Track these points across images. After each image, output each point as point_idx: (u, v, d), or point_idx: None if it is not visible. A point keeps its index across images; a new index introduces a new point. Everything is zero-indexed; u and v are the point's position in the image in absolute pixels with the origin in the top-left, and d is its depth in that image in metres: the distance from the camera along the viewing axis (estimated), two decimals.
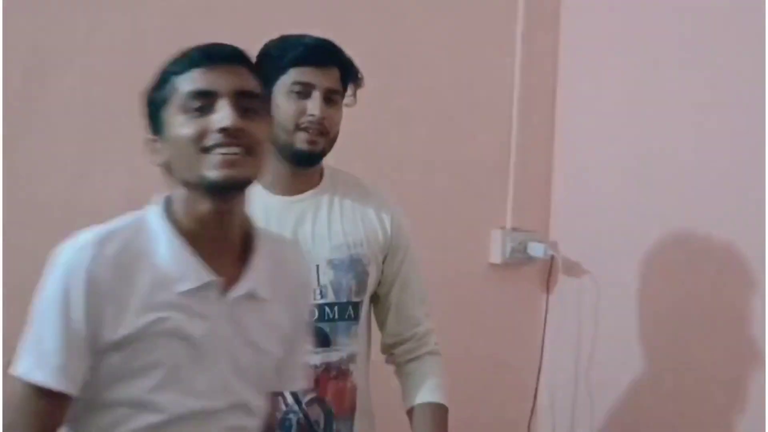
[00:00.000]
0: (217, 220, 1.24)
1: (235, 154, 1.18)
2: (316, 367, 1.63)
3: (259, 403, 1.32)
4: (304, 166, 1.67)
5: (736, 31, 2.29)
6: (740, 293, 2.26)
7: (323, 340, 1.65)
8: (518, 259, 2.64)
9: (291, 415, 1.64)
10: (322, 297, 1.65)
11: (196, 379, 1.22)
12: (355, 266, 1.69)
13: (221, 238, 1.26)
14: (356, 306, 1.70)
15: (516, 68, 2.66)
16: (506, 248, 2.61)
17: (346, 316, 1.68)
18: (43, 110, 1.99)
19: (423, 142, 2.46)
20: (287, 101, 1.61)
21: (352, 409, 1.72)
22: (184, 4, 2.14)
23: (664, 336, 2.45)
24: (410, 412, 1.76)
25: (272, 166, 1.63)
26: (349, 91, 1.71)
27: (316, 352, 1.63)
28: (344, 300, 1.68)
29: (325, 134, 1.63)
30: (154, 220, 1.25)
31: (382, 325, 1.81)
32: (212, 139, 1.18)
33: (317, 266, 1.65)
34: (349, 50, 1.70)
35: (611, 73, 2.57)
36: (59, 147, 2.03)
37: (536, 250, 2.64)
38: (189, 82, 1.20)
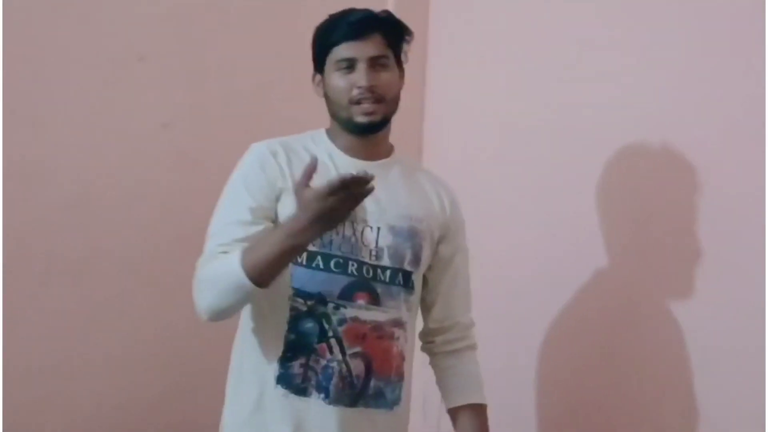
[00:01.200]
0: None
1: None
2: (365, 322, 1.68)
3: None
4: (368, 135, 1.73)
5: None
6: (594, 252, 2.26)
7: (374, 299, 1.69)
8: None
9: (334, 364, 1.67)
10: (377, 259, 1.70)
11: None
12: (413, 237, 1.74)
13: None
14: (408, 275, 1.74)
15: None
16: None
17: (397, 282, 1.72)
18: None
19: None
20: (337, 78, 1.70)
21: (399, 375, 1.74)
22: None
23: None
24: (454, 410, 1.81)
25: (342, 135, 1.75)
26: (403, 49, 1.76)
27: (367, 308, 1.69)
28: (397, 266, 1.72)
29: (381, 100, 1.69)
30: None
31: (428, 310, 1.86)
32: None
33: (378, 228, 1.71)
34: None
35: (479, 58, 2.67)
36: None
37: None
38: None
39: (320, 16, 1.76)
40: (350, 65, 1.69)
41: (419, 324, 1.87)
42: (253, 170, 1.71)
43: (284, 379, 1.68)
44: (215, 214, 1.71)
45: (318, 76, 1.75)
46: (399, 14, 1.75)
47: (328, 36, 1.71)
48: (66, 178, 2.24)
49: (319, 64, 1.74)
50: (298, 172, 1.57)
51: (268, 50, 2.52)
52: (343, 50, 1.69)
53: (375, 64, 1.69)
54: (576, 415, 2.27)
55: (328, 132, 1.79)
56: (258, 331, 1.73)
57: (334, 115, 1.75)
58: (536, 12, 2.53)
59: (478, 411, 1.82)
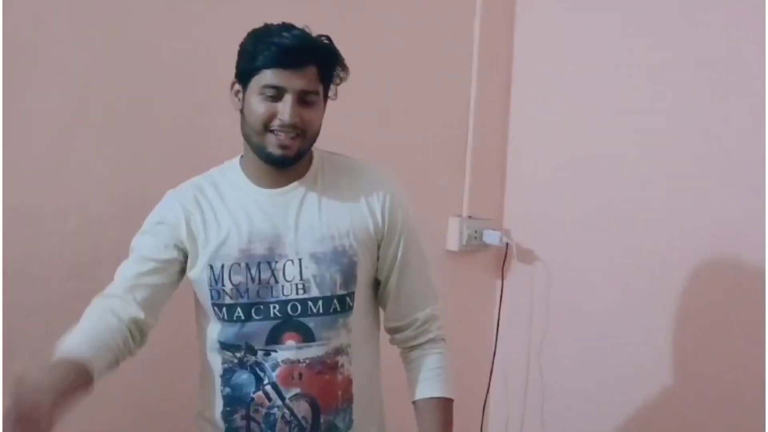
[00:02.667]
0: None
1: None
2: (299, 362, 1.61)
3: None
4: (278, 168, 1.62)
5: (680, 37, 2.40)
6: (683, 281, 2.37)
7: (306, 336, 1.61)
8: (474, 246, 2.72)
9: (275, 410, 1.62)
10: (304, 292, 1.61)
11: None
12: (340, 258, 1.64)
13: None
14: (343, 298, 1.65)
15: (473, 62, 2.74)
16: (463, 236, 2.68)
17: (332, 310, 1.63)
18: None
19: (384, 134, 2.47)
20: (259, 102, 1.56)
21: (348, 400, 1.68)
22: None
23: (610, 321, 2.55)
24: (416, 405, 1.74)
25: (254, 161, 1.63)
26: (331, 89, 1.64)
27: (299, 348, 1.61)
28: (328, 294, 1.63)
29: (299, 136, 1.57)
30: None
31: (383, 309, 1.78)
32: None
33: (300, 260, 1.61)
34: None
35: (564, 70, 2.65)
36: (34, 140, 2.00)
37: (491, 237, 2.72)
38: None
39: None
40: (277, 94, 1.56)
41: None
42: (158, 230, 1.65)
43: None
44: (137, 235, 1.68)
45: (237, 86, 1.61)
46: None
47: (259, 54, 1.56)
48: (68, 179, 2.10)
49: (242, 76, 1.59)
50: (204, 217, 1.61)
51: None
52: (272, 76, 1.55)
53: (303, 99, 1.57)
54: None
55: (242, 159, 1.68)
56: (203, 385, 1.72)
57: (246, 137, 1.62)
58: (625, 34, 2.53)
59: (438, 405, 1.73)
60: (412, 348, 1.76)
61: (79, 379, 1.36)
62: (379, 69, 2.44)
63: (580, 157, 2.62)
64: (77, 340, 1.45)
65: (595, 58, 2.60)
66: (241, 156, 1.69)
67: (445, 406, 1.72)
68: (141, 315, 1.55)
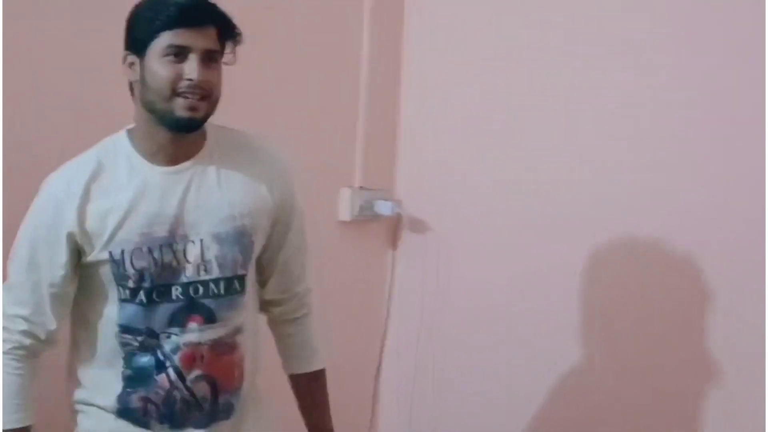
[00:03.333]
0: None
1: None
2: (200, 344, 1.60)
3: None
4: (185, 132, 1.58)
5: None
6: (572, 249, 2.48)
7: (209, 317, 1.61)
8: (366, 216, 2.75)
9: (175, 392, 1.61)
10: (206, 273, 1.60)
11: None
12: (241, 239, 1.64)
13: None
14: (242, 278, 1.66)
15: (364, 31, 2.74)
16: (354, 206, 2.70)
17: (232, 290, 1.64)
18: None
19: (273, 102, 2.46)
20: (162, 66, 1.51)
21: (242, 378, 1.70)
22: None
23: (504, 292, 2.63)
24: (293, 377, 1.82)
25: (151, 133, 1.58)
26: (228, 49, 1.61)
27: (201, 330, 1.60)
28: (230, 274, 1.63)
29: (206, 98, 1.54)
30: None
31: (263, 284, 1.79)
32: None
33: (201, 240, 1.59)
34: None
35: (455, 37, 2.70)
36: None
37: (383, 207, 2.76)
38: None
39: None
40: (181, 54, 1.52)
41: None
42: (46, 231, 1.58)
43: (124, 414, 1.63)
44: (10, 264, 1.61)
45: (131, 58, 1.55)
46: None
47: (156, 17, 1.52)
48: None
49: (137, 45, 1.54)
50: (99, 201, 1.55)
51: None
52: (174, 36, 1.51)
53: (208, 58, 1.53)
54: None
55: (130, 132, 1.62)
56: (86, 370, 1.66)
57: (149, 106, 1.56)
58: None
59: (318, 375, 1.85)
60: (290, 321, 1.82)
61: None
62: (270, 39, 2.41)
63: (473, 127, 2.66)
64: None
65: (485, 27, 2.64)
66: (128, 131, 1.63)
67: (323, 377, 1.85)
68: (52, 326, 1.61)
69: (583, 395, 2.47)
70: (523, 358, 2.57)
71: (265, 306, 1.82)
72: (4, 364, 1.57)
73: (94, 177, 1.58)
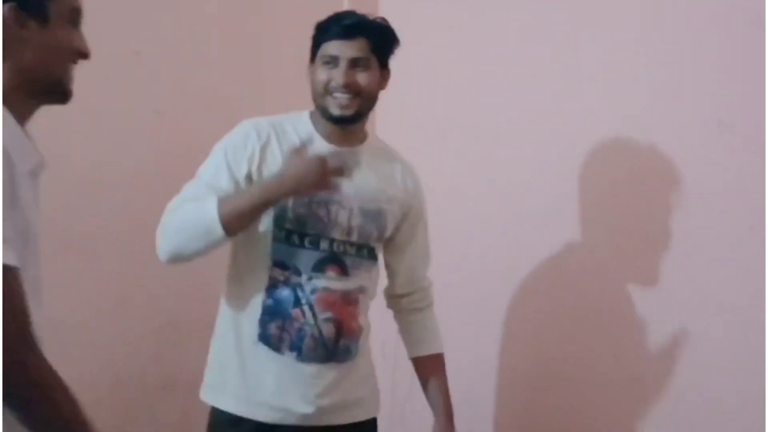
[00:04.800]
0: None
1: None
2: (334, 291, 1.91)
3: None
4: (341, 125, 1.93)
5: None
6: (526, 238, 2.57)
7: (343, 271, 1.92)
8: None
9: (306, 328, 1.89)
10: (348, 236, 1.92)
11: None
12: (380, 217, 1.96)
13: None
14: (373, 249, 1.98)
15: None
16: None
17: (363, 255, 1.96)
18: None
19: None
20: (320, 71, 1.90)
21: (360, 330, 1.98)
22: None
23: (461, 265, 2.74)
24: (419, 359, 2.13)
25: (321, 121, 1.95)
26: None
27: (338, 280, 1.91)
28: (364, 242, 1.95)
29: (356, 96, 1.89)
30: None
31: (393, 277, 2.11)
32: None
33: (350, 209, 1.92)
34: None
35: (426, 42, 2.79)
36: None
37: None
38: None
39: (305, 14, 2.00)
40: (333, 62, 1.89)
41: (384, 282, 2.14)
42: (236, 147, 1.92)
43: (263, 338, 1.92)
44: (199, 171, 1.94)
45: (310, 66, 1.96)
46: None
47: (322, 33, 1.92)
48: (74, 162, 2.48)
49: (313, 55, 1.95)
50: (277, 149, 1.89)
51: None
52: (329, 47, 1.90)
53: (355, 64, 1.89)
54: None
55: (312, 114, 1.99)
56: (239, 297, 1.96)
57: (314, 101, 1.95)
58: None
59: (440, 358, 2.13)
60: (417, 310, 2.13)
61: None
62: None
63: (441, 130, 2.85)
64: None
65: (456, 33, 2.79)
66: (311, 112, 2.00)
67: (444, 358, 2.12)
68: None
69: (537, 353, 2.58)
70: (474, 323, 2.71)
71: (394, 300, 2.14)
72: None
73: (285, 131, 1.96)
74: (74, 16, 1.36)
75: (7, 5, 1.28)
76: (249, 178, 1.90)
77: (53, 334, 1.36)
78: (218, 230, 1.78)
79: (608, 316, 2.43)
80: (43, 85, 1.35)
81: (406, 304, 2.14)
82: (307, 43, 1.97)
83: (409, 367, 2.20)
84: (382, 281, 2.15)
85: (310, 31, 1.96)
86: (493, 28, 2.69)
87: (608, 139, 2.40)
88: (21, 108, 1.33)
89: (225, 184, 1.88)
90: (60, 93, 1.37)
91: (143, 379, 2.67)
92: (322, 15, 1.96)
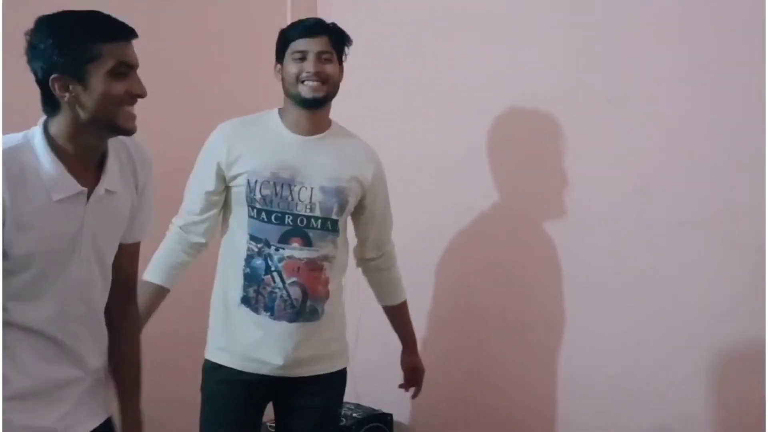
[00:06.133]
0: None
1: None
2: (299, 260, 2.24)
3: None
4: (312, 108, 2.25)
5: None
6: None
7: (306, 242, 2.24)
8: None
9: (276, 291, 2.23)
10: (311, 211, 2.24)
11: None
12: (339, 194, 2.27)
13: (89, 155, 1.67)
14: (335, 222, 2.28)
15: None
16: None
17: (326, 228, 2.26)
18: None
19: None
20: (292, 64, 2.25)
21: (326, 294, 2.30)
22: None
23: (411, 231, 3.00)
24: (387, 307, 2.56)
25: (291, 111, 2.27)
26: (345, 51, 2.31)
27: (301, 250, 2.24)
28: (326, 216, 2.26)
29: (324, 82, 2.23)
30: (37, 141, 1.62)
31: (363, 244, 2.47)
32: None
33: (312, 188, 2.24)
34: None
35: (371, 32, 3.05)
36: None
37: None
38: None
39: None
40: (302, 56, 2.23)
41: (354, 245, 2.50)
42: (209, 152, 2.30)
43: (244, 301, 2.27)
44: (190, 179, 2.34)
45: (278, 65, 2.30)
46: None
47: (289, 34, 2.28)
48: None
49: (279, 56, 2.29)
50: (247, 145, 2.25)
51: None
52: (298, 44, 2.25)
53: (321, 57, 2.24)
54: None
55: (280, 111, 2.32)
56: (227, 266, 2.33)
57: (287, 93, 2.28)
58: None
59: (404, 304, 2.58)
60: (383, 270, 2.50)
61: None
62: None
63: (391, 113, 3.22)
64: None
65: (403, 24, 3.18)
66: (279, 109, 2.33)
67: (407, 304, 2.59)
68: (202, 240, 2.33)
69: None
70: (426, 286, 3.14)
71: (363, 261, 2.50)
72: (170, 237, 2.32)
73: (251, 129, 2.31)
74: (117, 69, 1.59)
75: (52, 76, 1.57)
76: (224, 176, 2.28)
77: None
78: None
79: (517, 270, 2.89)
80: (104, 127, 1.64)
81: (375, 266, 2.49)
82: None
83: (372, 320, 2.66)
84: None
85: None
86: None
87: (512, 112, 2.86)
88: (92, 140, 1.66)
89: (212, 186, 2.29)
90: (121, 130, 1.65)
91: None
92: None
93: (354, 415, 3.16)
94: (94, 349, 1.77)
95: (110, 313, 1.83)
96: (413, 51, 3.18)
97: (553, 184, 2.78)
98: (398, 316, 2.57)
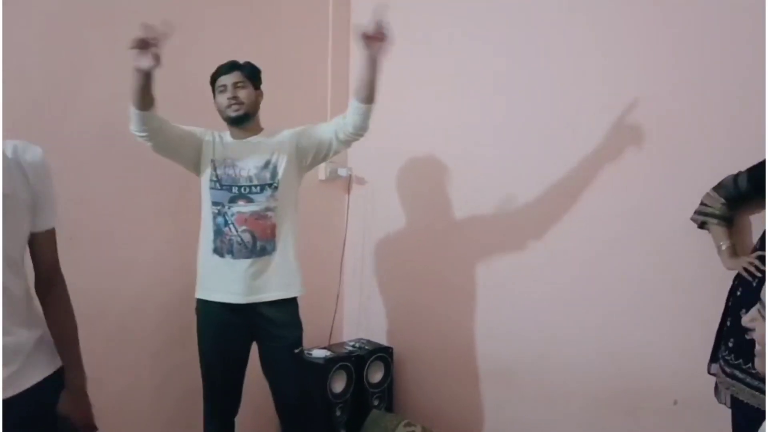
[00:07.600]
0: None
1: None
2: (246, 213, 3.13)
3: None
4: (238, 125, 3.18)
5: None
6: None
7: (248, 201, 3.13)
8: (333, 177, 4.37)
9: (233, 237, 3.11)
10: (250, 182, 3.14)
11: None
12: (268, 165, 3.16)
13: None
14: (271, 184, 3.14)
15: (329, 43, 4.32)
16: (327, 171, 4.35)
17: (264, 190, 3.13)
18: None
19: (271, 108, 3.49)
20: (219, 95, 3.19)
21: (272, 234, 3.14)
22: None
23: (416, 224, 4.10)
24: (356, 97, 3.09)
25: (229, 127, 3.25)
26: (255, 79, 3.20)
27: (246, 206, 3.14)
28: (262, 183, 3.14)
29: (241, 104, 3.14)
30: None
31: (335, 139, 3.18)
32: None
33: (248, 168, 3.14)
34: None
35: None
36: None
37: (342, 171, 4.40)
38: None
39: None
40: (224, 88, 3.19)
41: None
42: (199, 129, 3.24)
43: (215, 250, 3.22)
44: None
45: (214, 99, 3.23)
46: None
47: (216, 75, 3.21)
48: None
49: (213, 92, 3.23)
50: (211, 142, 3.25)
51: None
52: (221, 80, 3.19)
53: (236, 86, 3.17)
54: None
55: (229, 128, 3.28)
56: (203, 227, 3.24)
57: (221, 116, 3.22)
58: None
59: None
60: (350, 123, 3.12)
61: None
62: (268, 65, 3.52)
63: (392, 126, 3.90)
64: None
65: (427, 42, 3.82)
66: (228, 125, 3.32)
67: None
68: (143, 133, 2.97)
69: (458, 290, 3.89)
70: (419, 263, 4.06)
71: (342, 138, 3.15)
72: None
73: (218, 135, 3.26)
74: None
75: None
76: (198, 142, 3.20)
77: None
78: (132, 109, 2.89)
79: (454, 237, 3.88)
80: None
81: (345, 135, 3.15)
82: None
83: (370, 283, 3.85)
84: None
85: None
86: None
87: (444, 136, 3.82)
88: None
89: (187, 131, 3.15)
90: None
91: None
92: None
93: (366, 347, 4.17)
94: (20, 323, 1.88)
95: (41, 295, 1.97)
96: (443, 49, 3.82)
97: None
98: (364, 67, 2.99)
